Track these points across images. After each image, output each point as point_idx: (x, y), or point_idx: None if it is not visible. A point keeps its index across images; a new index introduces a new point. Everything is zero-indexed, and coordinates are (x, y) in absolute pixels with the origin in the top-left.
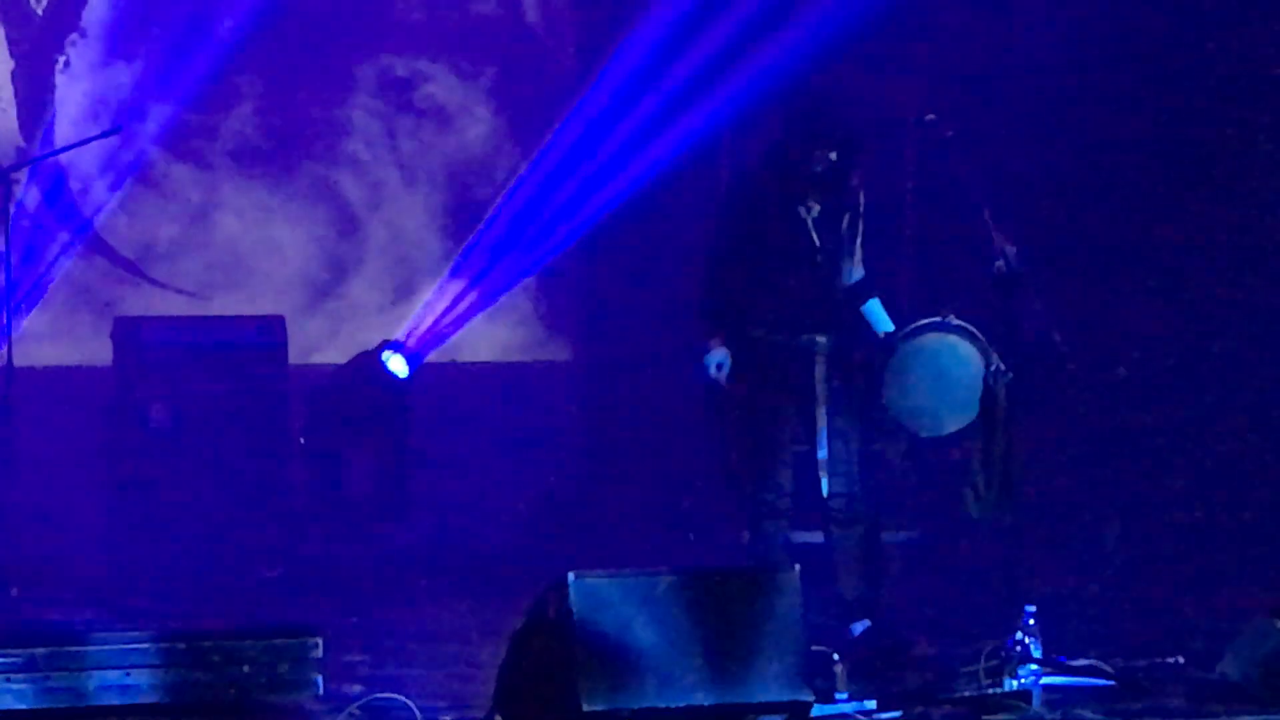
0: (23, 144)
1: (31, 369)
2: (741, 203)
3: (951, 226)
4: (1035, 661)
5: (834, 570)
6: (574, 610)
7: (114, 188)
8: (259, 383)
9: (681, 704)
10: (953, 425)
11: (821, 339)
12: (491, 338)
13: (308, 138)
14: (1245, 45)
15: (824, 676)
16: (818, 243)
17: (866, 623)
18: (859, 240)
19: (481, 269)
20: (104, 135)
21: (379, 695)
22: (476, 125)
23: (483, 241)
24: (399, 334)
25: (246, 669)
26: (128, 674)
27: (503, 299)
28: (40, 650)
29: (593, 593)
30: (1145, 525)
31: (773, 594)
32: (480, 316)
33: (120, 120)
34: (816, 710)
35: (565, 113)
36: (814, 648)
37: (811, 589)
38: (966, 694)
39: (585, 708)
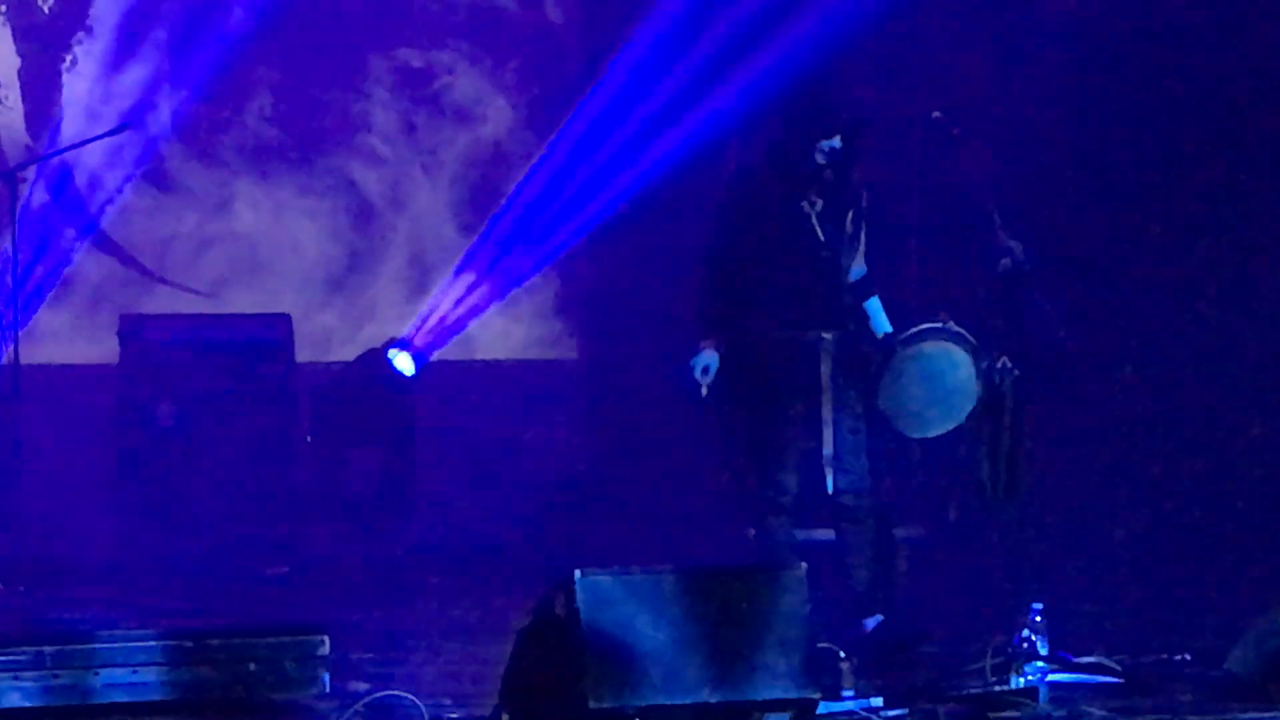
0: (30, 142)
1: (38, 367)
2: (744, 199)
3: (957, 224)
4: (1042, 659)
5: (846, 566)
6: (580, 608)
7: (122, 185)
8: (265, 381)
9: (688, 701)
10: (937, 429)
11: (827, 335)
12: (498, 335)
13: (323, 132)
14: (1252, 43)
15: (830, 674)
16: (821, 238)
17: (879, 618)
18: (862, 237)
19: (488, 266)
20: (111, 133)
21: (385, 693)
22: (494, 119)
23: (490, 238)
24: (406, 331)
25: (253, 667)
26: (135, 672)
27: (509, 296)
28: (48, 648)
29: (599, 590)
30: (1152, 522)
31: (779, 591)
32: (487, 314)
33: (128, 118)
34: (822, 707)
35: (574, 109)
36: (820, 645)
37: (818, 586)
38: (973, 691)
39: (592, 705)
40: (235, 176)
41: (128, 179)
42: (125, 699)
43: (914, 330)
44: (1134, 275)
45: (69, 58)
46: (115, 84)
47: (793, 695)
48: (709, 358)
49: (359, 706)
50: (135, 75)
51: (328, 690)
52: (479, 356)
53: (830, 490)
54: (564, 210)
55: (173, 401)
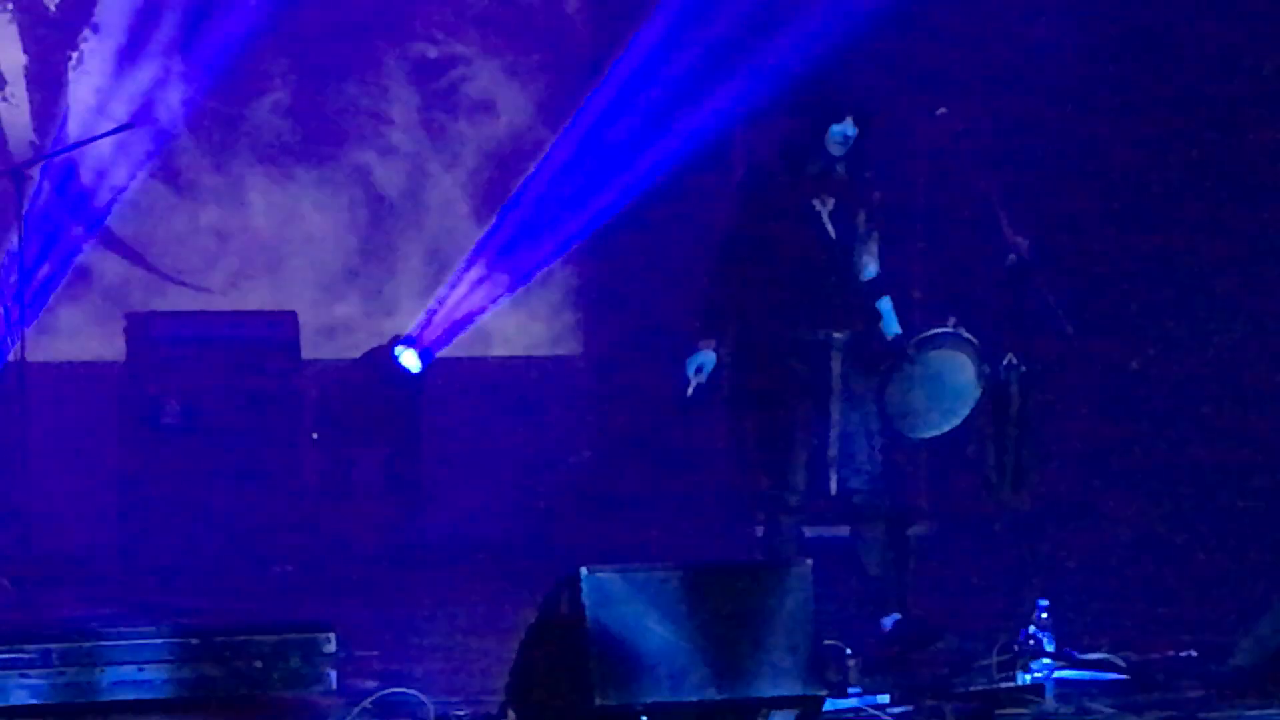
0: (36, 140)
1: (45, 364)
2: (755, 197)
3: (963, 220)
4: (1048, 655)
5: (859, 565)
6: (586, 605)
7: (129, 182)
8: (272, 378)
9: (693, 699)
10: (934, 430)
11: (838, 335)
12: (505, 332)
13: (337, 126)
14: (1259, 37)
15: (837, 671)
16: (833, 236)
17: (896, 616)
18: (875, 237)
19: (495, 262)
20: (118, 130)
21: (392, 690)
22: (510, 112)
23: (498, 234)
24: (412, 328)
25: (259, 664)
26: (141, 669)
27: (517, 293)
28: (54, 646)
29: (605, 588)
30: (1158, 518)
31: (785, 588)
32: (494, 310)
33: (136, 115)
34: (829, 704)
35: (589, 103)
36: (826, 642)
37: (830, 583)
38: (979, 688)
39: (598, 702)
40: (248, 171)
41: (136, 176)
42: (131, 696)
43: (924, 335)
44: (1140, 271)
45: (75, 55)
46: (123, 81)
47: (798, 693)
48: (704, 357)
49: (366, 704)
50: (144, 72)
51: (334, 688)
52: (486, 353)
53: (833, 491)
54: (574, 206)
55: (179, 399)
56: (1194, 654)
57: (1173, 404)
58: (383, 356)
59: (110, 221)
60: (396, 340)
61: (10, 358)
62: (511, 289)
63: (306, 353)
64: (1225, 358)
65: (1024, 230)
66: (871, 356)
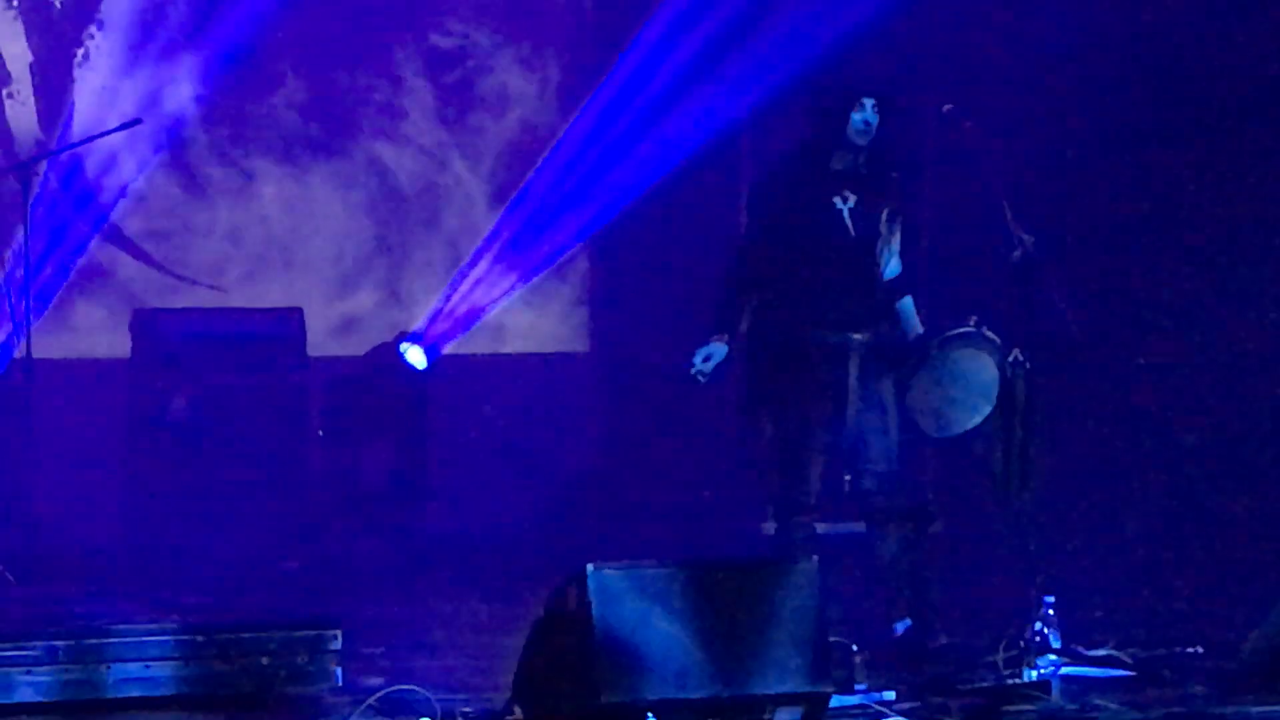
0: (42, 136)
1: (51, 361)
2: (773, 194)
3: (969, 215)
4: (1054, 652)
5: (874, 565)
6: (592, 602)
7: (134, 179)
8: (277, 375)
9: (699, 696)
10: (956, 430)
11: (857, 336)
12: (511, 329)
13: (348, 119)
14: (1267, 33)
15: (843, 667)
16: (853, 233)
17: (908, 622)
18: (898, 235)
19: (502, 258)
20: (124, 127)
21: (398, 687)
22: (523, 105)
23: (505, 229)
24: (418, 324)
25: (265, 661)
26: (147, 666)
27: (523, 289)
28: (60, 642)
29: (611, 585)
30: (1164, 514)
31: (791, 586)
32: (500, 307)
33: (144, 110)
34: (835, 701)
35: (602, 96)
36: (832, 639)
37: (842, 580)
38: (985, 685)
39: (604, 699)
40: (259, 166)
41: (143, 172)
42: (138, 693)
43: (947, 334)
44: (1146, 268)
45: (81, 52)
46: (130, 78)
47: (805, 690)
48: (714, 348)
49: (372, 701)
50: (151, 68)
51: (340, 684)
52: (493, 350)
53: (847, 491)
54: (584, 201)
55: (185, 396)
56: (1200, 650)
57: (1179, 400)
58: (388, 353)
59: (121, 219)
60: (402, 337)
61: (16, 354)
62: (517, 285)
63: (323, 349)
64: (1231, 354)
65: (1029, 227)
66: (893, 356)
